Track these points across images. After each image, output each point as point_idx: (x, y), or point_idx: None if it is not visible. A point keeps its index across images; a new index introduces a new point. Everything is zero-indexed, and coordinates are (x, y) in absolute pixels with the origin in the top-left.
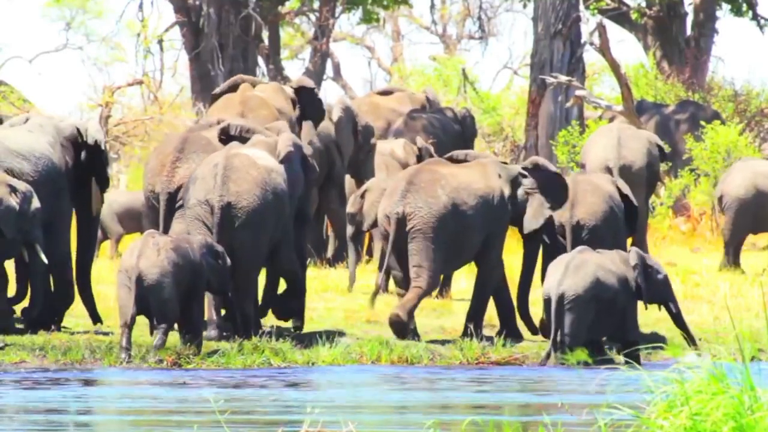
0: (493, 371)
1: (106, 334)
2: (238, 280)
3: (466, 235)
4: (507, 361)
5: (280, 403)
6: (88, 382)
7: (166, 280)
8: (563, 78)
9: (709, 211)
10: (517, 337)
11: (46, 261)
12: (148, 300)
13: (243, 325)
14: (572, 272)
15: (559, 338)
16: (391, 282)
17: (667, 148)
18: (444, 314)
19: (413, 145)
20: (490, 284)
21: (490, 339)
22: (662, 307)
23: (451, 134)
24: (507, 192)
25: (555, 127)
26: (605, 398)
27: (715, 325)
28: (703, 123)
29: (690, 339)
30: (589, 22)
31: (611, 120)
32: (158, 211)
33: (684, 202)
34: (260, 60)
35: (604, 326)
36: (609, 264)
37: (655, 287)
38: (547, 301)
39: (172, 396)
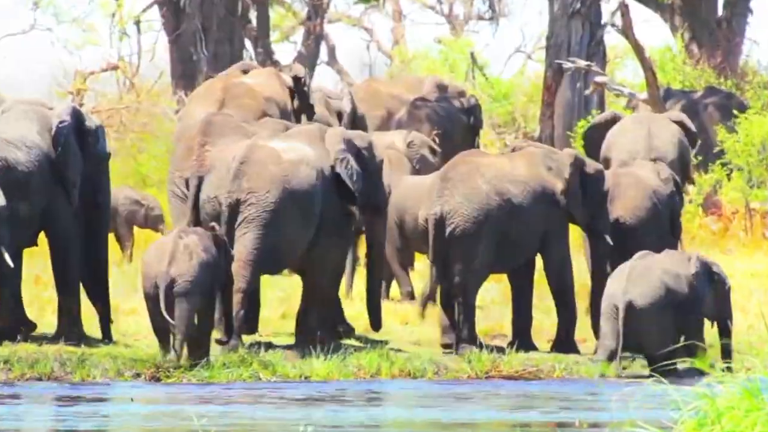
0: (504, 386)
1: (77, 345)
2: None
3: (517, 228)
4: (520, 375)
5: (269, 420)
6: (58, 399)
7: (197, 288)
8: (582, 62)
9: (742, 210)
10: (531, 349)
11: (11, 264)
12: (176, 307)
13: (235, 329)
14: (637, 279)
15: (614, 347)
16: (394, 287)
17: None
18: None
19: (419, 135)
20: (567, 288)
21: (501, 350)
22: (714, 323)
23: (458, 124)
24: (560, 184)
25: (573, 116)
26: (629, 415)
27: (749, 335)
28: (736, 113)
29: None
30: (610, 1)
31: (634, 109)
32: (184, 201)
33: (715, 200)
34: (247, 43)
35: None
36: (674, 267)
37: (720, 300)
38: (609, 310)
39: (151, 412)
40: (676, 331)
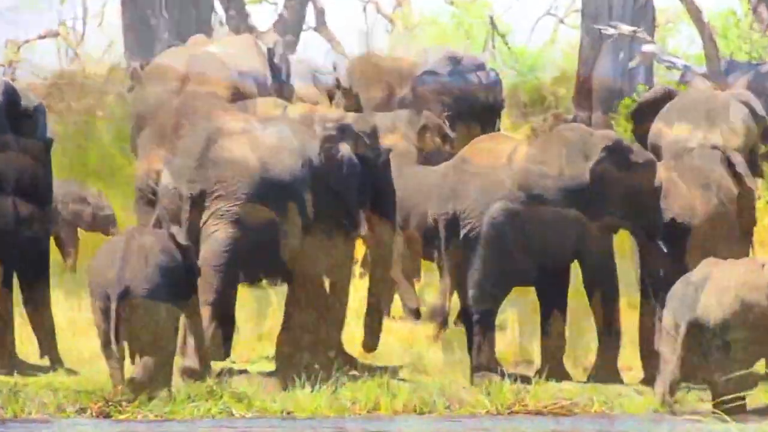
0: (531, 423)
1: (9, 373)
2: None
3: (547, 231)
4: (549, 410)
5: None
6: None
7: (157, 298)
8: (626, 28)
9: None
10: (563, 378)
11: None
12: (132, 322)
13: (200, 351)
14: (702, 292)
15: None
16: (397, 301)
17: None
18: (462, 346)
19: (432, 118)
20: (610, 304)
21: (526, 380)
22: None
23: (475, 104)
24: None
25: (615, 94)
26: None
27: None
28: None
29: None
30: None
31: (689, 84)
32: (151, 201)
33: None
34: (217, 4)
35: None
36: (747, 278)
37: None
38: (671, 331)
39: None
40: (751, 356)
